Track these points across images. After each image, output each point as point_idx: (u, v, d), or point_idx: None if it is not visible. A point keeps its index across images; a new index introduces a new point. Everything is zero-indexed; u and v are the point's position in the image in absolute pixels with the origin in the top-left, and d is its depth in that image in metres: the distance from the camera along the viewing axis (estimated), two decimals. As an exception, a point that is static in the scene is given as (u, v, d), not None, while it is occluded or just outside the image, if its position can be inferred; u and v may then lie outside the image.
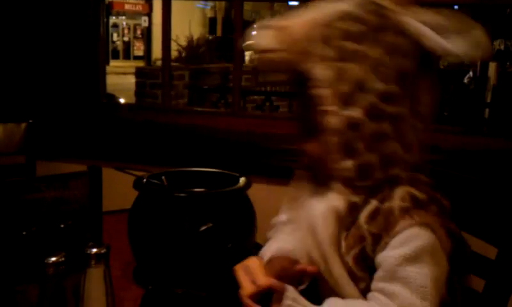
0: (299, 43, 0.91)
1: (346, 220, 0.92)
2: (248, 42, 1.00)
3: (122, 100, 5.59)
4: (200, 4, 19.33)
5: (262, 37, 0.94)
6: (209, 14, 20.00)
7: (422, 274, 0.85)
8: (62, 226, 1.19)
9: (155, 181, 1.37)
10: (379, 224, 0.88)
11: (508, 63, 8.21)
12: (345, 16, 0.91)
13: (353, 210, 0.92)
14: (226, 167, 1.45)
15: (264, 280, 0.96)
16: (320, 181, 0.97)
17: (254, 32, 0.98)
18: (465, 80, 7.08)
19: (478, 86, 6.55)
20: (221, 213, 1.26)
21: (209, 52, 8.08)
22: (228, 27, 15.95)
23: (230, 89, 3.54)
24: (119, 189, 1.47)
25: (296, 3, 3.25)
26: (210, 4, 19.56)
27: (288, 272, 0.98)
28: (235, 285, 0.98)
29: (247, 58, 5.64)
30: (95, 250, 0.86)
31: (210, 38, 14.24)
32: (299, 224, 1.01)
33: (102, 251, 0.86)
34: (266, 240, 1.11)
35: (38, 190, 1.17)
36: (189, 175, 1.45)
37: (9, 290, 1.08)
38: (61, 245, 0.94)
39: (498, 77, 6.75)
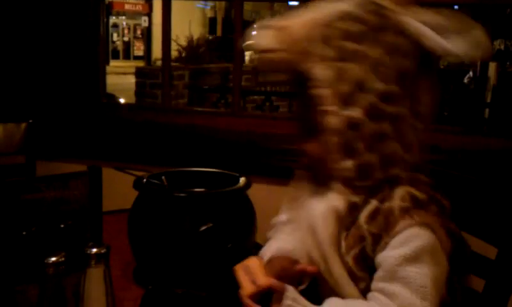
0: (299, 43, 0.91)
1: (346, 220, 0.92)
2: (248, 42, 1.00)
3: (122, 100, 5.59)
4: (200, 4, 19.34)
5: (262, 37, 0.94)
6: (209, 14, 20.01)
7: (422, 274, 0.85)
8: (62, 226, 1.18)
9: (155, 181, 1.37)
10: (379, 224, 0.88)
11: (508, 63, 8.22)
12: (345, 16, 0.91)
13: (353, 210, 0.92)
14: (226, 167, 1.45)
15: (264, 280, 0.96)
16: (320, 181, 0.97)
17: (254, 32, 0.98)
18: (465, 80, 7.08)
19: (478, 86, 6.54)
20: (221, 213, 1.26)
21: (209, 52, 8.10)
22: (228, 27, 15.96)
23: (230, 89, 3.54)
24: (119, 189, 1.47)
25: (296, 3, 3.25)
26: (210, 4, 19.56)
27: (288, 272, 0.98)
28: (235, 285, 0.98)
29: (247, 58, 5.65)
30: (95, 250, 0.86)
31: (210, 38, 14.27)
32: (299, 224, 1.01)
33: (102, 251, 0.86)
34: (266, 240, 1.11)
35: (38, 190, 1.17)
36: (189, 175, 1.45)
37: (9, 290, 1.08)
38: (61, 245, 0.94)
39: (498, 77, 6.76)
